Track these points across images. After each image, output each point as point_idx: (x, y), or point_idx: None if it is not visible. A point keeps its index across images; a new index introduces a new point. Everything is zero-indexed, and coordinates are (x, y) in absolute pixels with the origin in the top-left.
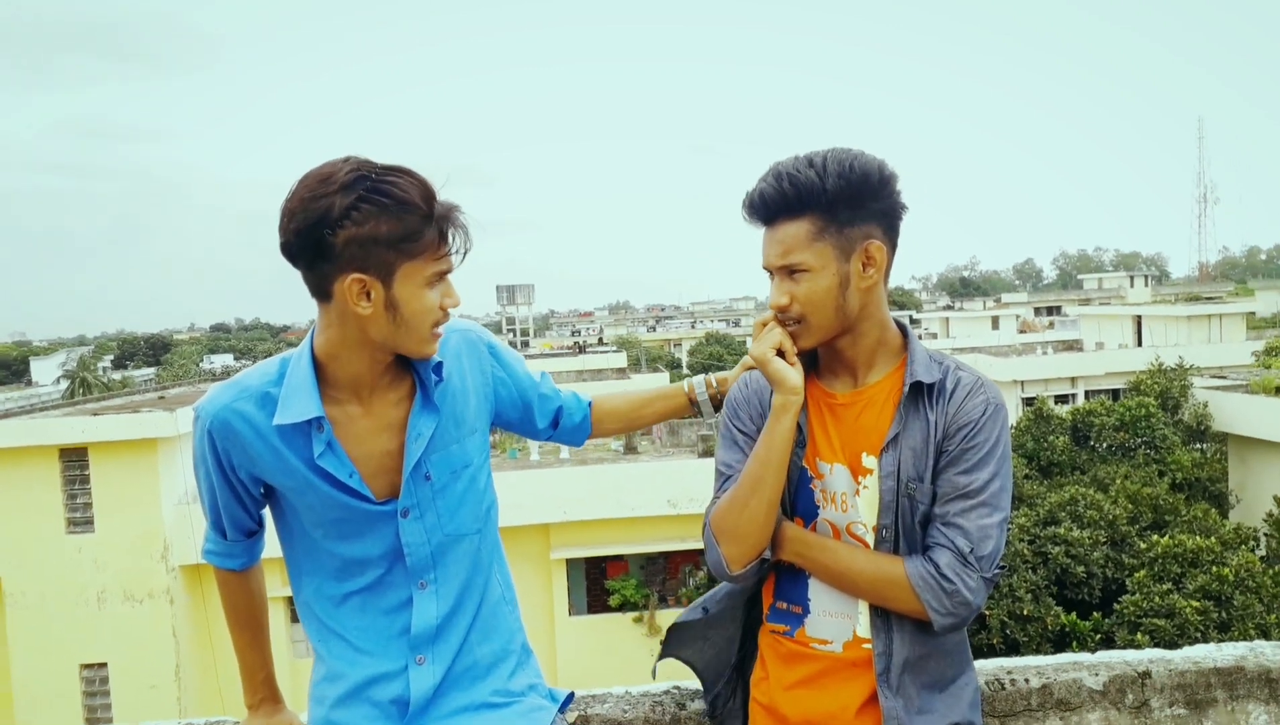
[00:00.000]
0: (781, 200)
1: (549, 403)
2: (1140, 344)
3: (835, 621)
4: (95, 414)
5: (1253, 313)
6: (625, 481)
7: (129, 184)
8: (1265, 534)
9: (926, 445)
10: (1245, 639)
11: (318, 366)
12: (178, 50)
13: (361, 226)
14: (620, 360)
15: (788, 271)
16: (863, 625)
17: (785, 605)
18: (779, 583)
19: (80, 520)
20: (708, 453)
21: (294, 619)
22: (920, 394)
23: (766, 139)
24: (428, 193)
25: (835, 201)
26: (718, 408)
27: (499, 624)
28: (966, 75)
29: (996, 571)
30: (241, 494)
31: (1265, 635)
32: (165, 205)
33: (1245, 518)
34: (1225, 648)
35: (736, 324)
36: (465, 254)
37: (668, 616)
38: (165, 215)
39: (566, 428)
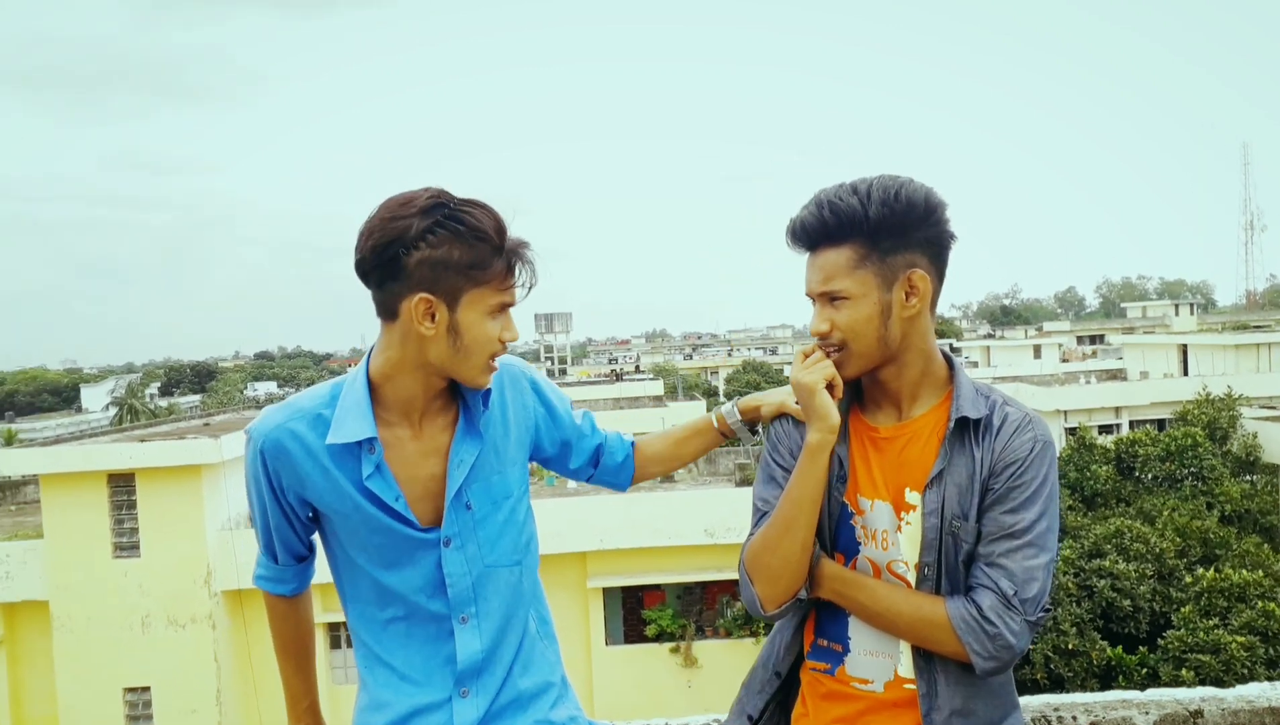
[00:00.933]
0: (823, 228)
1: (588, 441)
2: (1186, 373)
3: (876, 661)
4: (142, 440)
5: None
6: (662, 510)
7: (178, 216)
8: None
9: (972, 482)
10: None
11: (372, 388)
12: (226, 86)
13: (435, 250)
14: (657, 388)
15: (829, 298)
16: (905, 665)
17: (825, 643)
18: (819, 619)
19: (126, 545)
20: (745, 482)
21: (334, 645)
22: (966, 429)
23: (805, 168)
24: (500, 226)
25: (878, 229)
26: (754, 428)
27: (540, 657)
28: (1010, 101)
29: (1041, 614)
30: (291, 517)
31: None
32: (212, 236)
33: None
34: None
35: (774, 352)
36: (530, 289)
37: (704, 647)
38: (212, 246)
39: (609, 467)
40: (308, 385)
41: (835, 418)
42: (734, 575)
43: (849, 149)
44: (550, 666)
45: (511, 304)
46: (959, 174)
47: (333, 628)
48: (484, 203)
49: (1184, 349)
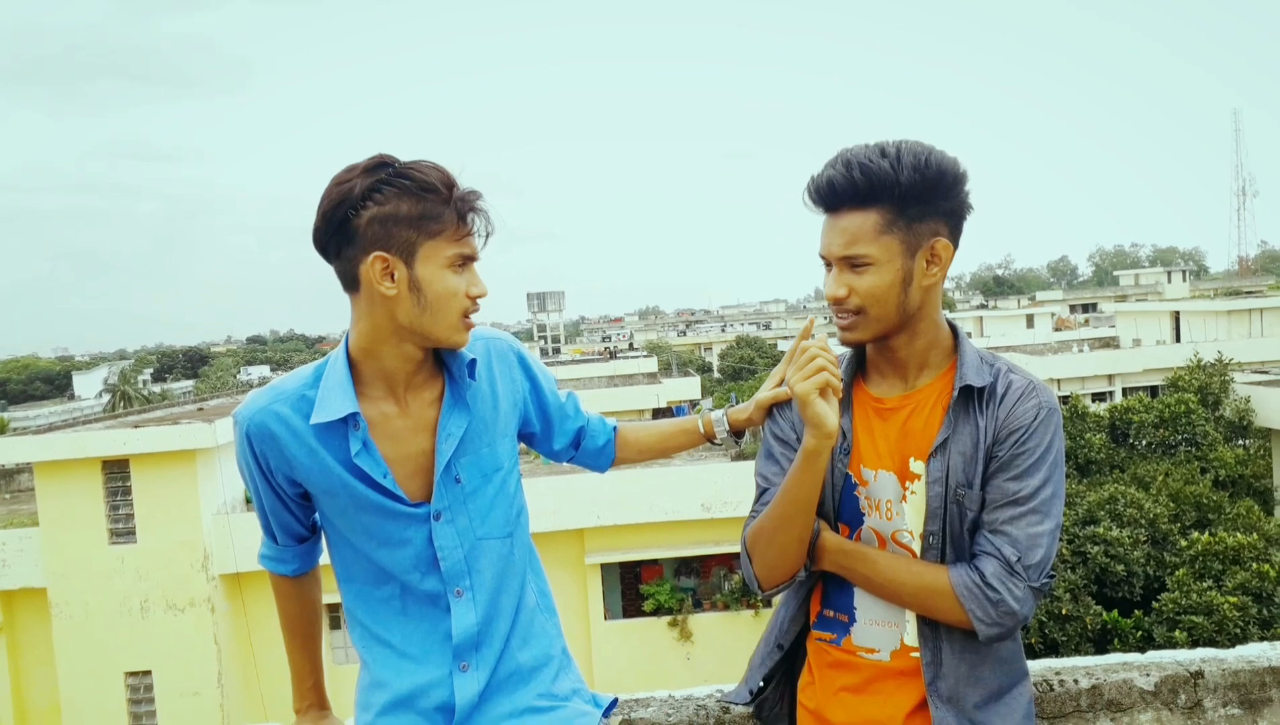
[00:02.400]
0: (851, 189)
1: (571, 422)
2: (1179, 340)
3: (882, 630)
4: (136, 427)
5: None
6: (658, 485)
7: (166, 203)
8: None
9: (976, 450)
10: None
11: (353, 365)
12: (210, 73)
13: (383, 206)
14: (651, 365)
15: (849, 263)
16: (910, 634)
17: (832, 613)
18: (826, 590)
19: (123, 531)
20: (741, 456)
21: (335, 625)
22: (970, 398)
23: (797, 144)
24: (447, 178)
25: (907, 195)
26: (739, 436)
27: (538, 630)
28: (1000, 71)
29: (1045, 581)
30: (284, 498)
31: None
32: (201, 223)
33: None
34: None
35: (767, 327)
36: (488, 238)
37: (701, 621)
38: (201, 232)
39: (589, 449)
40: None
41: (833, 424)
42: (731, 549)
43: (841, 121)
44: (550, 639)
45: (472, 256)
46: (951, 143)
47: (333, 608)
48: (429, 160)
49: (1176, 316)
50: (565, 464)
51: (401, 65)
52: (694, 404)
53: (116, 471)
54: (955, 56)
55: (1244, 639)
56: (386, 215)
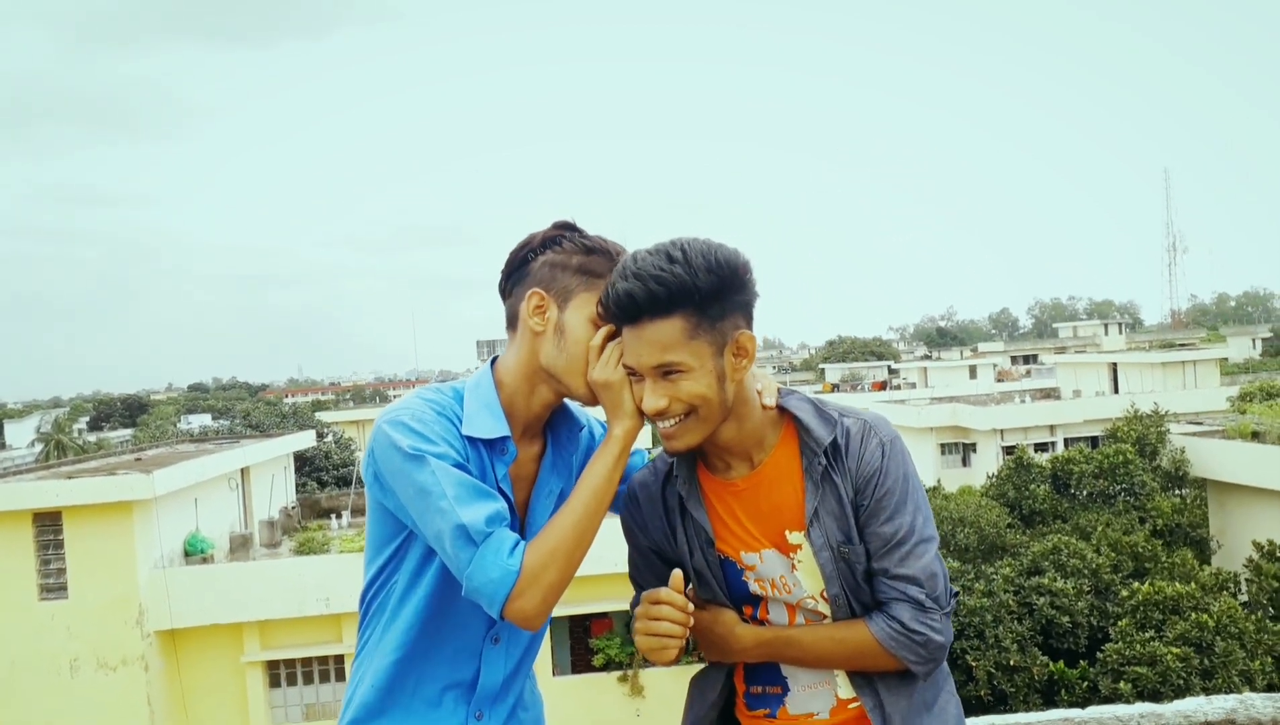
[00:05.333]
0: (650, 300)
1: None
2: (1117, 391)
3: (816, 692)
4: (70, 477)
5: (1225, 359)
6: (608, 536)
7: (107, 248)
8: (1246, 579)
9: (843, 507)
10: (1229, 685)
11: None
12: (157, 118)
13: (557, 255)
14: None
15: (662, 372)
16: (844, 688)
17: (760, 689)
18: (748, 668)
19: (53, 587)
20: None
21: (273, 684)
22: (823, 455)
23: (742, 200)
24: (620, 248)
25: (706, 297)
26: None
27: (534, 689)
28: (939, 129)
29: (953, 600)
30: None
31: (1249, 681)
32: (143, 269)
33: (1226, 563)
34: (1215, 700)
35: None
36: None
37: (651, 676)
38: (143, 278)
39: None
40: (244, 417)
41: (631, 405)
42: None
43: (780, 183)
44: (539, 700)
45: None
46: (894, 201)
47: (271, 665)
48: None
49: (1114, 368)
50: None
51: (349, 114)
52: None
53: (48, 524)
54: (899, 110)
55: (1187, 689)
56: (557, 262)
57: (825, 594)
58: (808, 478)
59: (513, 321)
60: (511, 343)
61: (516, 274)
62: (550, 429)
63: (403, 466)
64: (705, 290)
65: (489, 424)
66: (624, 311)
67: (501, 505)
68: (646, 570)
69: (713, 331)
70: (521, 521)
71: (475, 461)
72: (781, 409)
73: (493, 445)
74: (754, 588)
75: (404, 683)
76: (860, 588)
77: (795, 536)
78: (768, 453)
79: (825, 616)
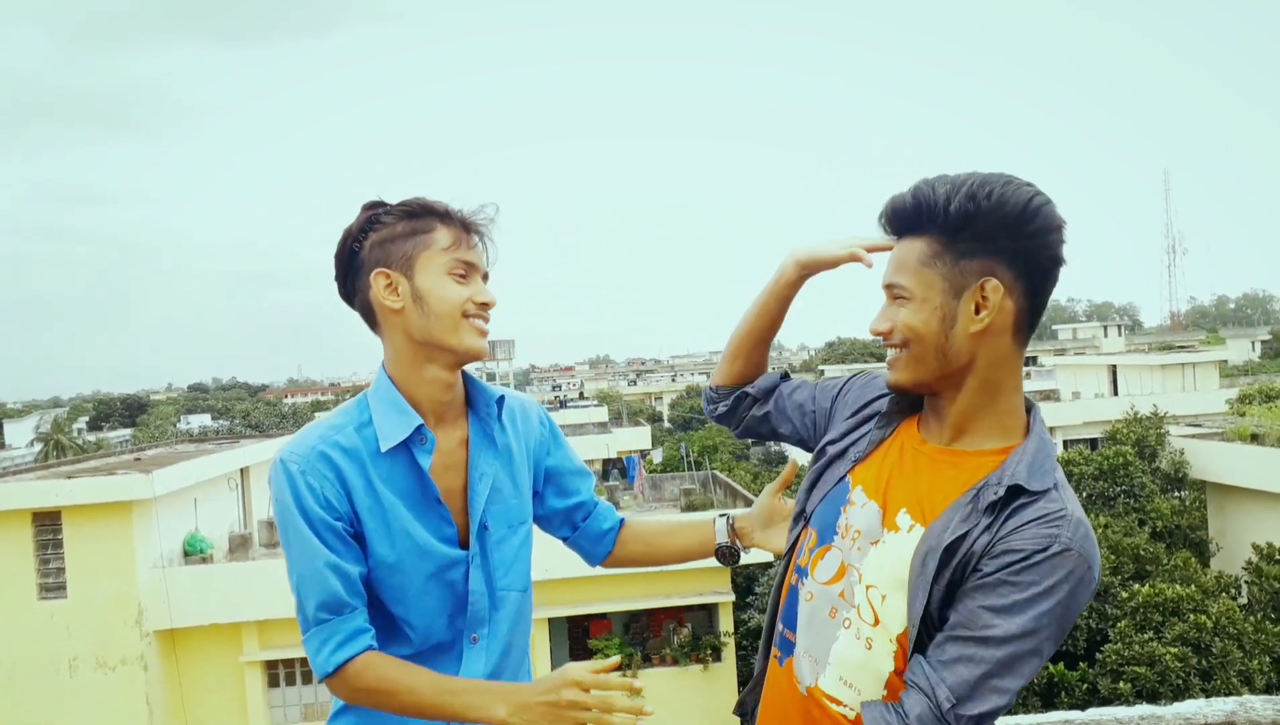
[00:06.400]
0: (903, 214)
1: (578, 493)
2: (1116, 393)
3: (805, 663)
4: (69, 477)
5: (1224, 361)
6: None
7: (105, 248)
8: (1246, 581)
9: (967, 554)
10: (1227, 686)
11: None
12: (155, 116)
13: (380, 232)
14: (602, 414)
15: (892, 293)
16: (827, 681)
17: (784, 629)
18: (784, 604)
19: (53, 586)
20: (691, 507)
21: (271, 684)
22: (1004, 499)
23: (737, 196)
24: (439, 202)
25: (956, 226)
26: (727, 560)
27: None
28: (938, 128)
29: None
30: (347, 538)
31: (1248, 682)
32: (142, 268)
33: (1226, 566)
34: (1215, 703)
35: None
36: (490, 250)
37: (651, 676)
38: (142, 278)
39: (590, 532)
40: (243, 417)
41: (834, 252)
42: (682, 601)
43: (780, 179)
44: None
45: (473, 264)
46: (895, 187)
47: (270, 665)
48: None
49: (1113, 370)
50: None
51: (348, 113)
52: (644, 453)
53: (47, 524)
54: (895, 112)
55: (1186, 690)
56: (384, 237)
57: (883, 598)
58: (973, 493)
59: (369, 315)
60: (383, 338)
61: (350, 270)
62: (471, 409)
63: (278, 518)
64: (953, 216)
65: (400, 424)
66: (888, 220)
67: (345, 587)
68: (787, 398)
69: (953, 267)
70: (464, 508)
71: (396, 470)
72: (1028, 429)
73: (410, 442)
74: (839, 521)
75: None
76: (928, 623)
77: (904, 518)
78: (966, 447)
79: (869, 620)
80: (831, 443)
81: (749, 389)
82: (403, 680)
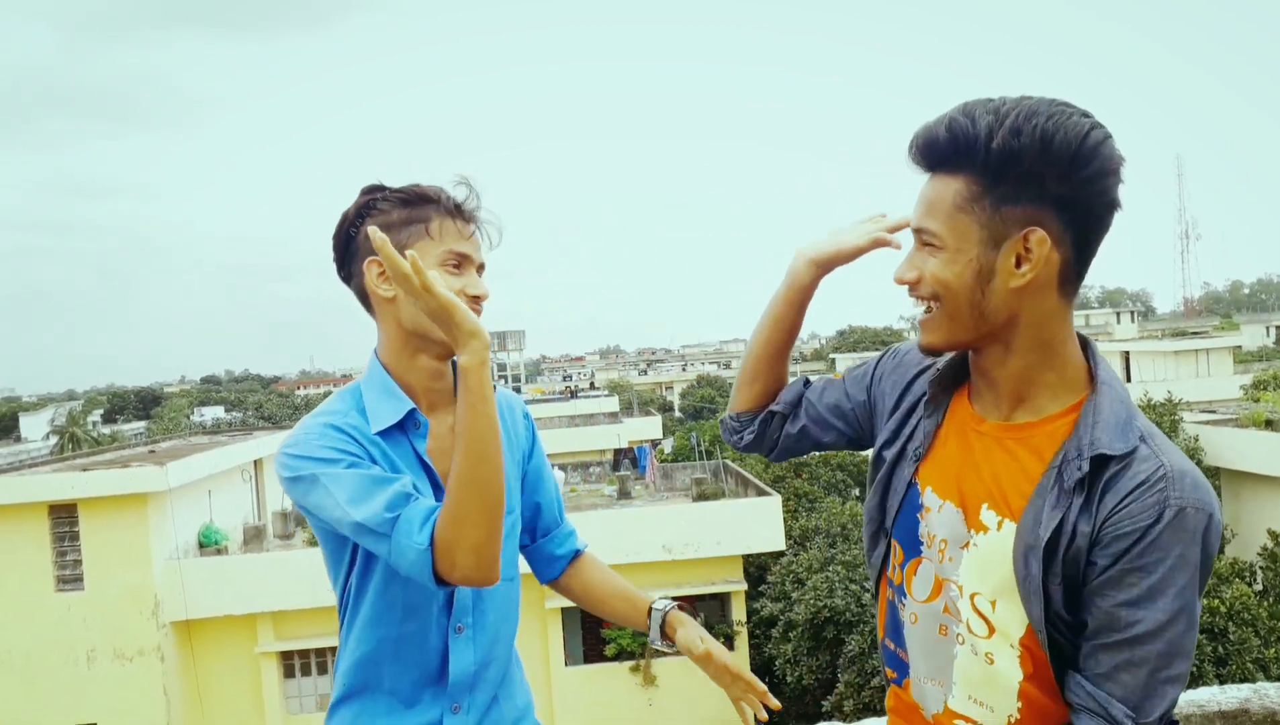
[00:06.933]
0: (935, 147)
1: (546, 509)
2: (1129, 380)
3: (928, 688)
4: (85, 469)
5: (1238, 347)
6: (620, 527)
7: (115, 240)
8: (1261, 567)
9: (1072, 540)
10: (1243, 672)
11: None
12: (163, 109)
13: (376, 218)
14: (612, 404)
15: (922, 239)
16: (956, 699)
17: (892, 645)
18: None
19: (70, 578)
20: (702, 497)
21: (287, 674)
22: (1094, 469)
23: (745, 189)
24: (439, 189)
25: (998, 165)
26: (669, 642)
27: (520, 678)
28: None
29: None
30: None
31: (1264, 669)
32: (153, 260)
33: (1240, 552)
34: (1229, 689)
35: (728, 366)
36: (488, 240)
37: (663, 665)
38: (153, 270)
39: (544, 551)
40: (256, 409)
41: (855, 242)
42: (693, 590)
43: (785, 178)
44: (527, 689)
45: (468, 256)
46: (898, 187)
47: (285, 656)
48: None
49: (1126, 356)
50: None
51: (352, 105)
52: (655, 443)
53: (64, 516)
54: (896, 97)
55: (1200, 677)
56: (380, 224)
57: (993, 604)
58: (1055, 473)
59: (365, 300)
60: (377, 323)
61: (346, 255)
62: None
63: (302, 498)
64: (995, 155)
65: (392, 408)
66: (919, 152)
67: (402, 485)
68: (819, 404)
69: (992, 214)
70: None
71: (395, 452)
72: (1092, 381)
73: (404, 426)
74: (921, 530)
75: (376, 679)
76: (1073, 627)
77: (989, 516)
78: (1026, 418)
79: (956, 617)
80: (886, 446)
81: (774, 407)
82: (452, 494)
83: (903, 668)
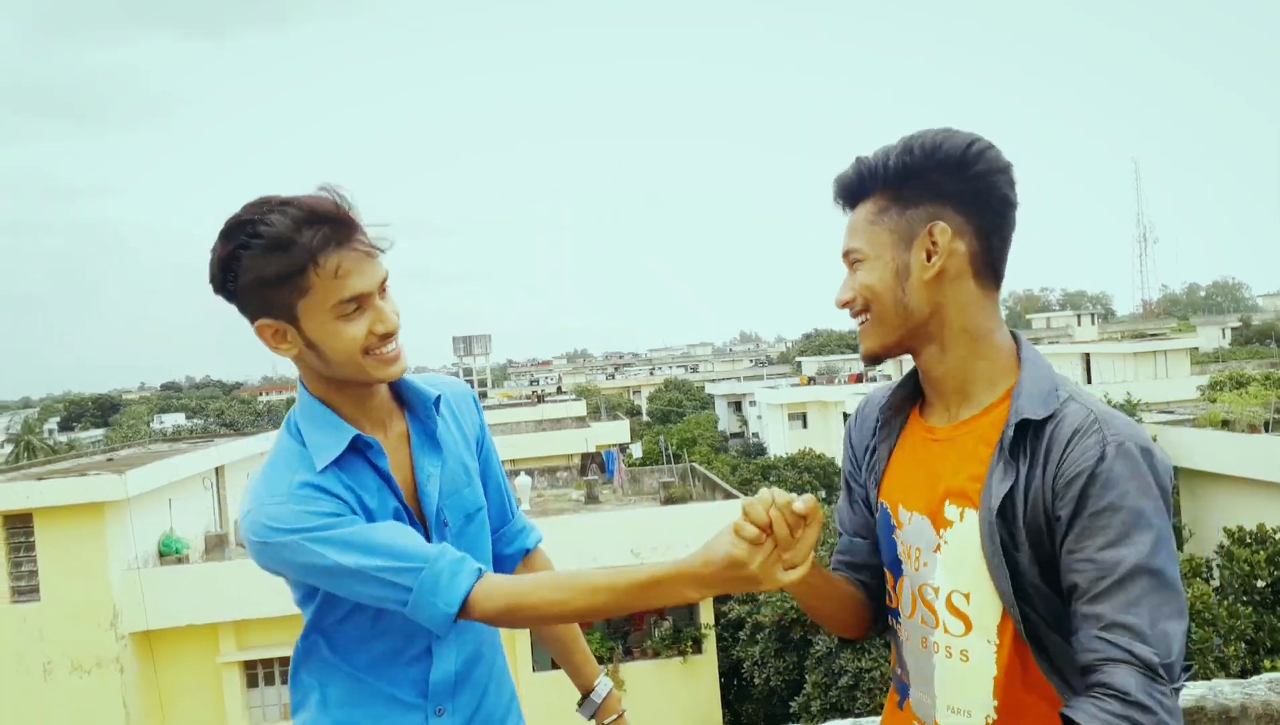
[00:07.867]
0: (849, 184)
1: (494, 503)
2: (1090, 381)
3: (922, 701)
4: (40, 478)
5: (1195, 348)
6: (586, 531)
7: (73, 241)
8: (1218, 566)
9: (1030, 508)
10: (1205, 671)
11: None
12: (128, 109)
13: (249, 272)
14: (580, 409)
15: (850, 262)
16: (943, 714)
17: (900, 671)
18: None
19: (25, 589)
20: (670, 500)
21: (250, 684)
22: (1026, 435)
23: (711, 190)
24: (300, 220)
25: (898, 178)
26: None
27: (506, 677)
28: (912, 120)
29: (1183, 676)
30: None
31: (1223, 667)
32: (112, 262)
33: (1198, 550)
34: (1186, 688)
35: (694, 370)
36: (371, 259)
37: (632, 669)
38: (113, 272)
39: (494, 549)
40: (218, 416)
41: (781, 581)
42: None
43: (758, 174)
44: (512, 688)
45: (363, 293)
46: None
47: (249, 665)
48: (293, 199)
49: (1087, 358)
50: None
51: (316, 105)
52: (623, 448)
53: (18, 526)
54: (872, 106)
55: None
56: (254, 281)
57: (966, 597)
58: (999, 447)
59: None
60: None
61: (231, 300)
62: (406, 409)
63: (301, 561)
64: (894, 170)
65: (333, 440)
66: (836, 197)
67: (415, 535)
68: (844, 493)
69: (900, 218)
70: (417, 509)
71: (353, 479)
72: (1019, 363)
73: (357, 448)
74: (899, 549)
75: (358, 685)
76: (1049, 601)
77: (953, 511)
78: (973, 410)
79: (935, 616)
80: (854, 479)
81: (850, 567)
82: (544, 597)
83: (904, 688)
